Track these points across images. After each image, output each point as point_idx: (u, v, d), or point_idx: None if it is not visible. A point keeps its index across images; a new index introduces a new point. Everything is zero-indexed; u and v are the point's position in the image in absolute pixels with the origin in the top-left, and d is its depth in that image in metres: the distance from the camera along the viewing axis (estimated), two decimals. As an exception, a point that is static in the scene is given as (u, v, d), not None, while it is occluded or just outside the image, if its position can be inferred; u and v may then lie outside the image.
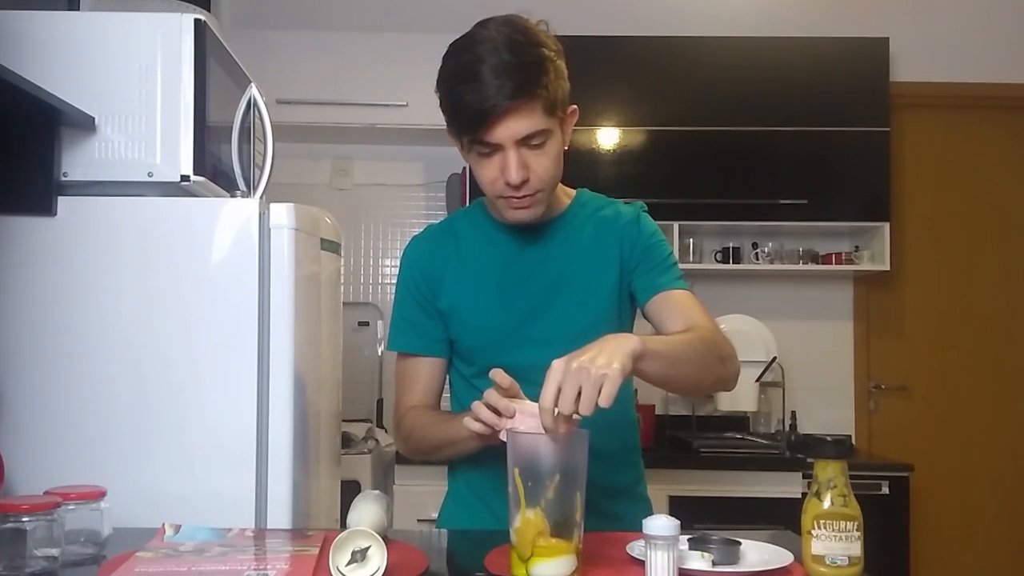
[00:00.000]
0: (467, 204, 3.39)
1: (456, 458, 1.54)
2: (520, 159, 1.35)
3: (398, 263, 1.60)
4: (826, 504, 1.09)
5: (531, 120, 1.34)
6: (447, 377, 1.60)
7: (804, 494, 1.42)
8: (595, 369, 1.08)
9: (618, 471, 1.57)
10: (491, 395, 1.21)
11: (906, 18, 3.73)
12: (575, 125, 1.46)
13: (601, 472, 1.35)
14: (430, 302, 1.54)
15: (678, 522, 1.01)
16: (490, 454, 1.28)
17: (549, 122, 1.37)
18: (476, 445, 1.33)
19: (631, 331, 1.50)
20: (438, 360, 1.56)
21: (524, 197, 1.40)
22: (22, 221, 1.53)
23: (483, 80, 1.30)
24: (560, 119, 1.40)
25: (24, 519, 1.12)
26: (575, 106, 1.44)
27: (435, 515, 1.64)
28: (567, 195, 1.56)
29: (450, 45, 1.39)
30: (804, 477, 3.06)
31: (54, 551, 1.14)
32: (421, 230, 1.63)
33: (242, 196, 1.75)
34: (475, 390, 1.46)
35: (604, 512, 1.47)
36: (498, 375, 1.21)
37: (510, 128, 1.33)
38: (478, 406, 1.22)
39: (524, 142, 1.35)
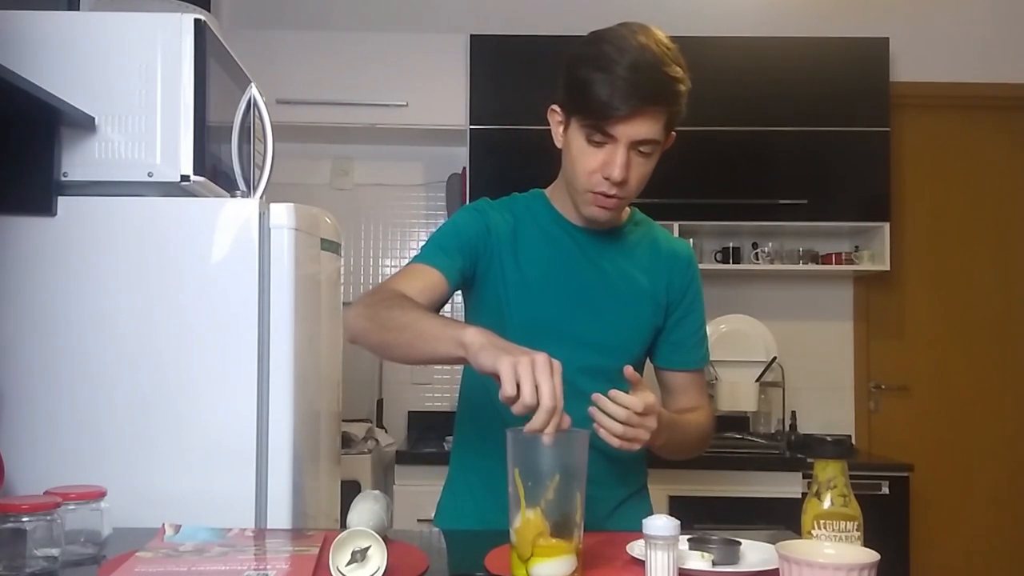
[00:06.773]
0: (467, 204, 3.44)
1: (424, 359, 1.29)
2: (627, 160, 1.37)
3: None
4: (826, 504, 1.09)
5: (653, 127, 1.36)
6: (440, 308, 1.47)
7: (804, 494, 1.43)
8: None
9: (635, 473, 1.59)
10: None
11: (906, 18, 3.73)
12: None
13: (619, 472, 1.37)
14: (476, 252, 1.47)
15: (678, 522, 1.01)
16: (496, 446, 1.14)
17: (662, 136, 1.39)
18: (454, 363, 1.20)
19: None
20: (447, 285, 1.43)
21: (613, 197, 1.41)
22: (22, 221, 1.53)
23: (622, 75, 1.32)
24: (665, 138, 1.41)
25: (24, 519, 1.12)
26: (674, 132, 1.44)
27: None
28: (624, 211, 1.57)
29: (590, 33, 1.41)
30: (804, 477, 3.06)
31: (54, 551, 1.14)
32: (475, 200, 1.57)
33: (242, 196, 1.75)
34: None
35: (615, 517, 1.47)
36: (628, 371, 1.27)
37: (634, 128, 1.35)
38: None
39: (636, 145, 1.37)
